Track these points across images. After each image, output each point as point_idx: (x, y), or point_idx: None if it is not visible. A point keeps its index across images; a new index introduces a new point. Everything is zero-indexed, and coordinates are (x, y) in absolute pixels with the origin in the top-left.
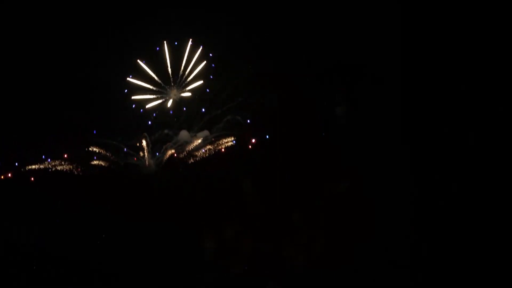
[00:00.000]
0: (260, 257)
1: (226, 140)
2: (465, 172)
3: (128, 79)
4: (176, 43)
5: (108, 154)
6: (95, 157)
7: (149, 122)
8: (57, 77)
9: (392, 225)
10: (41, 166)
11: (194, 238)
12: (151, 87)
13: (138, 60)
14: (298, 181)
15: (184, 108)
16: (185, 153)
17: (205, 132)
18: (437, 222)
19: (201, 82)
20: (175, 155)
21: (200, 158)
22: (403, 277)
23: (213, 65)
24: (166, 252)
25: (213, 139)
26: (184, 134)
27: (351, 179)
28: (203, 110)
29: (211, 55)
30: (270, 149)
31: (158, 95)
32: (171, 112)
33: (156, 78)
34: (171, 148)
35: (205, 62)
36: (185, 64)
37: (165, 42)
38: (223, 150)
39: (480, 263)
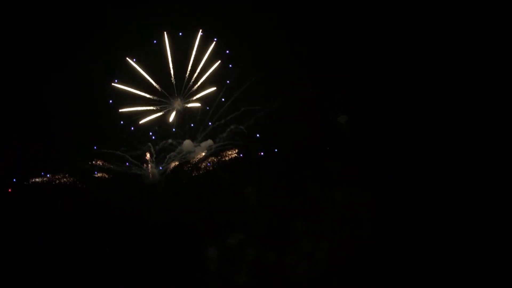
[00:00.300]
0: (264, 268)
1: (230, 152)
2: (466, 174)
3: (113, 84)
4: (180, 34)
5: (111, 165)
6: (96, 172)
7: (153, 138)
8: (56, 81)
9: (396, 237)
10: (44, 179)
11: (197, 248)
12: (146, 95)
13: (127, 58)
14: (302, 191)
15: (192, 125)
16: (189, 164)
17: (209, 142)
18: (438, 227)
19: (214, 88)
20: (179, 166)
21: (204, 169)
22: (404, 280)
23: (230, 65)
24: (170, 262)
25: (216, 149)
26: (187, 144)
27: (354, 187)
28: (210, 123)
29: (227, 52)
30: (277, 160)
31: (156, 106)
32: (174, 130)
33: (152, 82)
34: (174, 158)
35: (219, 61)
36: (192, 63)
37: (165, 33)
38: (227, 161)
39: (480, 263)
